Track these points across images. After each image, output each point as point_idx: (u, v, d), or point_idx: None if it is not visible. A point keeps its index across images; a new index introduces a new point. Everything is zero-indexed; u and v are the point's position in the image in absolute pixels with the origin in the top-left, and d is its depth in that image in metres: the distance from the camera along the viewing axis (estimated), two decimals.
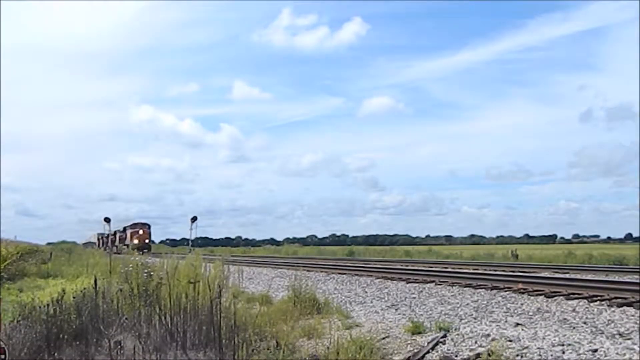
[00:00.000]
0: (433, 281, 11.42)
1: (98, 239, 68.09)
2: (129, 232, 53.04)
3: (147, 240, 52.17)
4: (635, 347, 4.99)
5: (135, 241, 49.87)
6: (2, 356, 4.57)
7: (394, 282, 12.00)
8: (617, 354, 4.84)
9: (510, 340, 5.45)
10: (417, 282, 11.53)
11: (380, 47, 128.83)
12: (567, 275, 12.84)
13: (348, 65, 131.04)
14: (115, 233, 60.13)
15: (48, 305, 5.91)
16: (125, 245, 52.55)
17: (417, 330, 6.16)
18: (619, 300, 7.58)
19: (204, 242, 68.43)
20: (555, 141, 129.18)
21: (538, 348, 5.14)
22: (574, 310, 7.18)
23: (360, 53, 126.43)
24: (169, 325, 5.19)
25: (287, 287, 9.17)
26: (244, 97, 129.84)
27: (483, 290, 9.67)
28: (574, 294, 8.42)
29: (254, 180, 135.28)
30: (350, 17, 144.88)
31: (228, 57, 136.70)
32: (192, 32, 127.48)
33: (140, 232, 52.47)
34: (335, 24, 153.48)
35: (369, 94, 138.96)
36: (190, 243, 45.74)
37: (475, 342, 5.54)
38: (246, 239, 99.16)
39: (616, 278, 11.56)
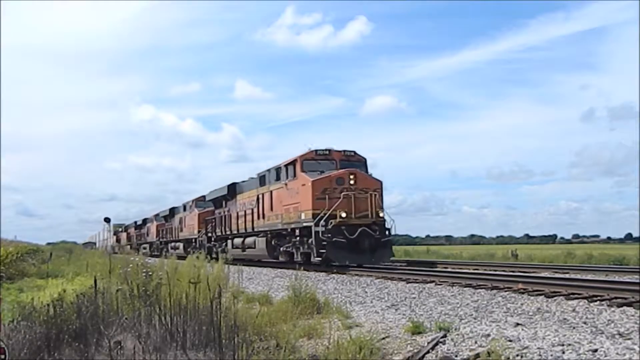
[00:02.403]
0: (433, 281, 11.42)
1: (116, 234, 55.17)
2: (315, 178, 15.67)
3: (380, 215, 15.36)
4: (635, 347, 5.00)
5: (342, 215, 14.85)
6: (2, 356, 4.57)
7: (394, 282, 11.99)
8: (617, 354, 4.84)
9: (510, 340, 5.45)
10: (417, 282, 11.52)
11: (383, 47, 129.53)
12: (567, 275, 12.84)
13: (350, 64, 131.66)
14: (171, 215, 34.34)
15: (48, 305, 5.91)
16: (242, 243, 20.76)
17: (417, 330, 6.16)
18: (619, 300, 7.58)
19: None
20: (556, 141, 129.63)
21: (538, 348, 5.14)
22: (574, 310, 7.18)
23: (363, 52, 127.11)
24: (169, 325, 5.19)
25: (287, 287, 9.17)
26: (245, 96, 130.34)
27: (483, 290, 9.66)
28: (574, 294, 8.42)
29: None
30: (355, 16, 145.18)
31: (230, 56, 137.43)
32: (194, 31, 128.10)
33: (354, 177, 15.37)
34: (339, 23, 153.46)
35: (370, 94, 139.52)
36: None
37: (475, 342, 5.54)
38: None
39: (616, 278, 11.56)
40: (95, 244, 67.35)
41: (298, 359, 4.99)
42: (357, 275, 14.04)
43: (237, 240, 22.00)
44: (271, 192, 18.63)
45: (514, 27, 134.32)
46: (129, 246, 48.53)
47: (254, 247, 19.94)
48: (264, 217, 19.20)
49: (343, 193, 15.19)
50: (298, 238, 16.62)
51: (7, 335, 5.09)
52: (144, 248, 43.11)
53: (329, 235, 14.72)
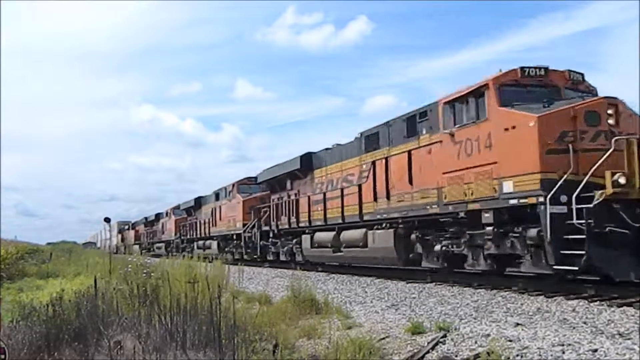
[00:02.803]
0: (433, 281, 11.40)
1: (121, 232, 50.95)
2: None
3: None
4: (635, 347, 4.99)
5: None
6: (2, 356, 4.58)
7: (394, 282, 11.98)
8: (617, 354, 4.84)
9: (510, 340, 5.45)
10: (417, 282, 11.51)
11: (384, 46, 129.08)
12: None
13: (350, 64, 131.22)
14: (197, 206, 29.16)
15: (47, 305, 5.92)
16: None
17: (417, 330, 6.15)
18: (619, 300, 7.56)
19: None
20: None
21: (538, 348, 5.13)
22: (574, 310, 7.17)
23: (363, 52, 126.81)
24: (169, 325, 5.19)
25: (287, 287, 9.17)
26: (246, 96, 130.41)
27: (483, 290, 9.65)
28: (574, 294, 8.41)
29: None
30: (356, 16, 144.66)
31: (231, 56, 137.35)
32: (195, 31, 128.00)
33: None
34: (340, 23, 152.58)
35: (370, 94, 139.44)
36: None
37: (475, 342, 5.53)
38: None
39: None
40: (95, 243, 67.18)
41: (298, 359, 4.99)
42: (357, 275, 14.04)
43: (322, 236, 15.09)
44: (409, 152, 11.33)
45: (514, 27, 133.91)
46: (137, 246, 43.45)
47: (364, 246, 13.06)
48: (387, 197, 12.10)
49: (615, 139, 7.87)
50: (489, 229, 9.22)
51: (7, 335, 5.10)
52: (158, 248, 36.97)
53: (590, 220, 7.56)
